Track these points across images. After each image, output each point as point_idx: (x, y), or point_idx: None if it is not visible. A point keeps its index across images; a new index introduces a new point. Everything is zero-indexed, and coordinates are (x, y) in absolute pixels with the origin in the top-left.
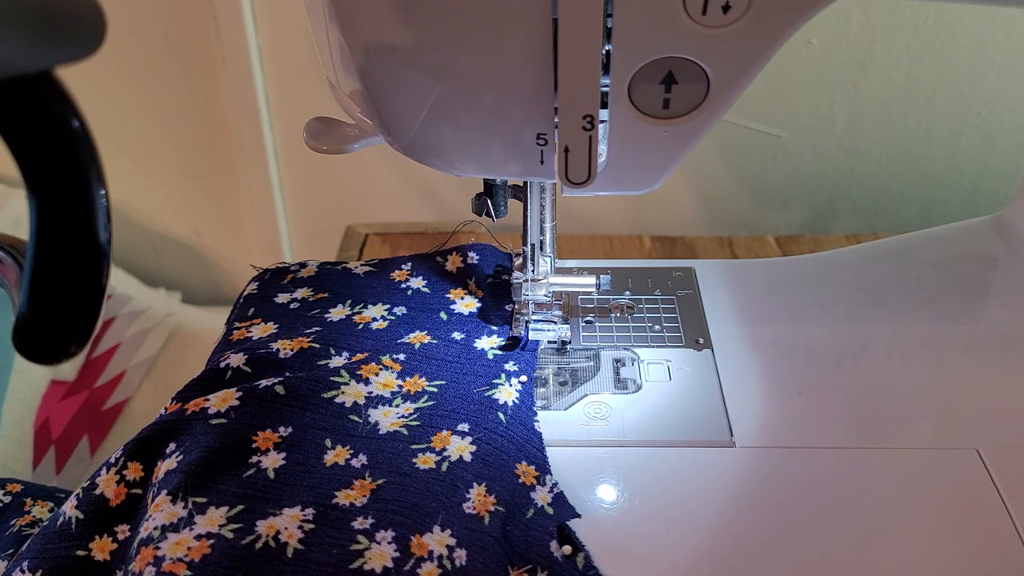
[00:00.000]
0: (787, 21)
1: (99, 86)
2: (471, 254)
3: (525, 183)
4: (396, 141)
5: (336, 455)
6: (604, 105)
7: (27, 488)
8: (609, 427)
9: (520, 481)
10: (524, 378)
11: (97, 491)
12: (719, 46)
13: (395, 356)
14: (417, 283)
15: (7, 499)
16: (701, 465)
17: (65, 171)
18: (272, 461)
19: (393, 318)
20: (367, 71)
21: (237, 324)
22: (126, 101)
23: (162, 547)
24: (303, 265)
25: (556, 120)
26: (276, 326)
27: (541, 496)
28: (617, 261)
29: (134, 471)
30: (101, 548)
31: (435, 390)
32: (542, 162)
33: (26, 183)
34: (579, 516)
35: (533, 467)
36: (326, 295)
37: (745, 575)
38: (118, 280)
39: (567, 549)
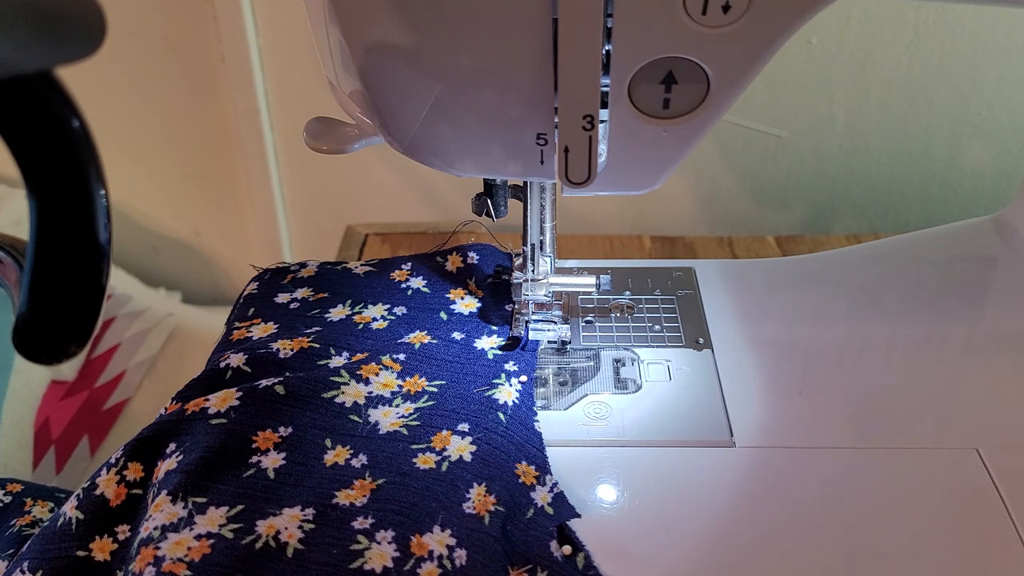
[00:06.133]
0: (787, 21)
1: (99, 86)
2: (471, 254)
3: (525, 183)
4: (396, 141)
5: (336, 455)
6: (604, 105)
7: (27, 488)
8: (609, 427)
9: (520, 481)
10: (524, 378)
11: (97, 491)
12: (719, 46)
13: (395, 356)
14: (417, 283)
15: (7, 499)
16: (701, 465)
17: (65, 171)
18: (272, 461)
19: (393, 318)
20: (367, 71)
21: (237, 324)
22: (126, 101)
23: (162, 547)
24: (303, 265)
25: (556, 120)
26: (276, 326)
27: (541, 496)
28: (617, 261)
29: (134, 471)
30: (101, 548)
31: (435, 390)
32: (542, 162)
33: (26, 183)
34: (579, 516)
35: (533, 467)
36: (326, 295)
37: (745, 575)
38: (118, 280)
39: (567, 549)
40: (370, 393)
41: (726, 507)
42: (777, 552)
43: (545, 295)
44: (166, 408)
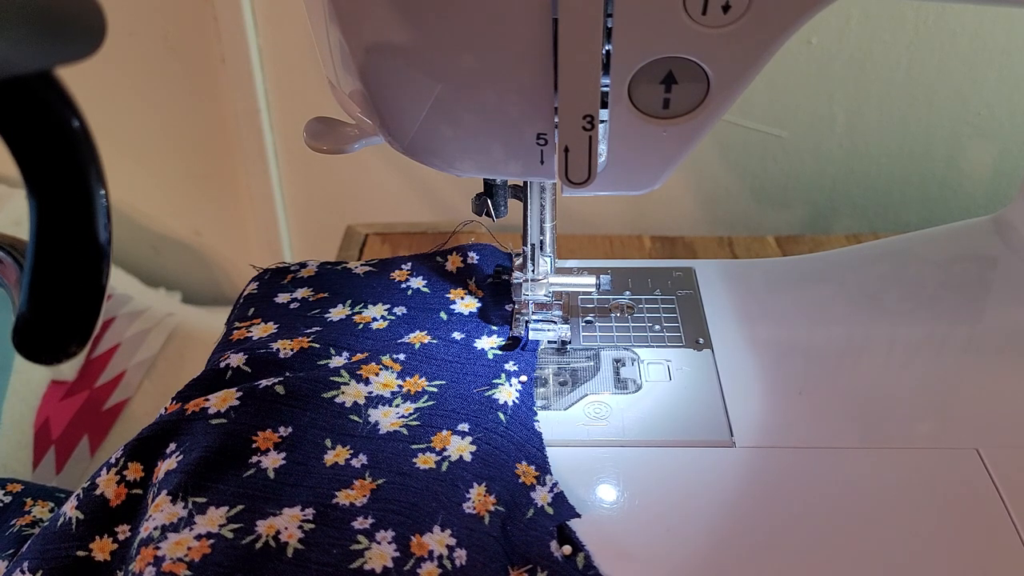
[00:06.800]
0: (787, 21)
1: (99, 86)
2: (471, 254)
3: (525, 183)
4: (396, 141)
5: (336, 455)
6: (604, 105)
7: (27, 488)
8: (609, 427)
9: (520, 481)
10: (524, 378)
11: (97, 491)
12: (719, 46)
13: (395, 356)
14: (417, 283)
15: (7, 499)
16: (701, 465)
17: (65, 171)
18: (272, 461)
19: (393, 318)
20: (367, 71)
21: (237, 324)
22: (126, 101)
23: (162, 547)
24: (303, 265)
25: (556, 120)
26: (276, 326)
27: (541, 496)
28: (617, 261)
29: (134, 471)
30: (101, 548)
31: (435, 390)
32: (542, 162)
33: (26, 183)
34: (579, 516)
35: (533, 467)
36: (326, 295)
37: (745, 575)
38: (118, 280)
39: (567, 549)
40: (370, 393)
41: (726, 507)
42: (777, 552)
43: (545, 295)
44: (166, 408)
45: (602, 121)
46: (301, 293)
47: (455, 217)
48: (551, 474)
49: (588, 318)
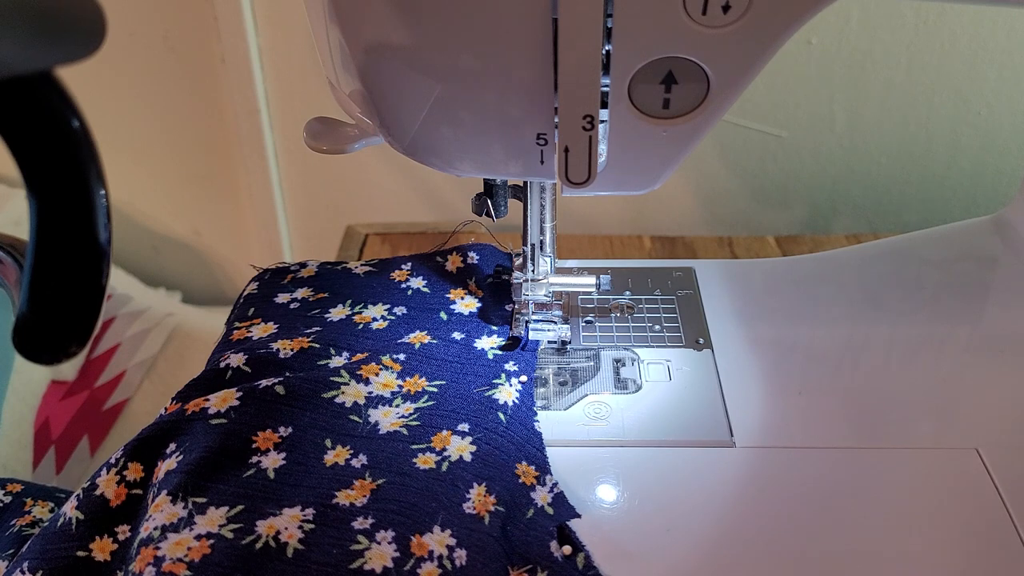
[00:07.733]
0: (787, 21)
1: (99, 86)
2: (471, 254)
3: (525, 183)
4: (396, 141)
5: (336, 455)
6: (604, 105)
7: (27, 488)
8: (609, 427)
9: (520, 481)
10: (524, 378)
11: (97, 492)
12: (719, 46)
13: (395, 356)
14: (417, 283)
15: (7, 499)
16: (701, 465)
17: (65, 171)
18: (272, 461)
19: (393, 318)
20: (367, 71)
21: (237, 324)
22: (126, 101)
23: (162, 547)
24: (303, 265)
25: (556, 120)
26: (276, 326)
27: (541, 496)
28: (617, 261)
29: (134, 471)
30: (101, 548)
31: (435, 390)
32: (542, 162)
33: (26, 183)
34: (579, 516)
35: (533, 467)
36: (326, 295)
37: (745, 575)
38: (118, 280)
39: (567, 549)
40: (370, 393)
41: (726, 507)
42: (777, 552)
43: (545, 295)
44: (166, 408)
45: (602, 121)
46: (301, 293)
47: (455, 217)
48: (551, 474)
49: (588, 318)
